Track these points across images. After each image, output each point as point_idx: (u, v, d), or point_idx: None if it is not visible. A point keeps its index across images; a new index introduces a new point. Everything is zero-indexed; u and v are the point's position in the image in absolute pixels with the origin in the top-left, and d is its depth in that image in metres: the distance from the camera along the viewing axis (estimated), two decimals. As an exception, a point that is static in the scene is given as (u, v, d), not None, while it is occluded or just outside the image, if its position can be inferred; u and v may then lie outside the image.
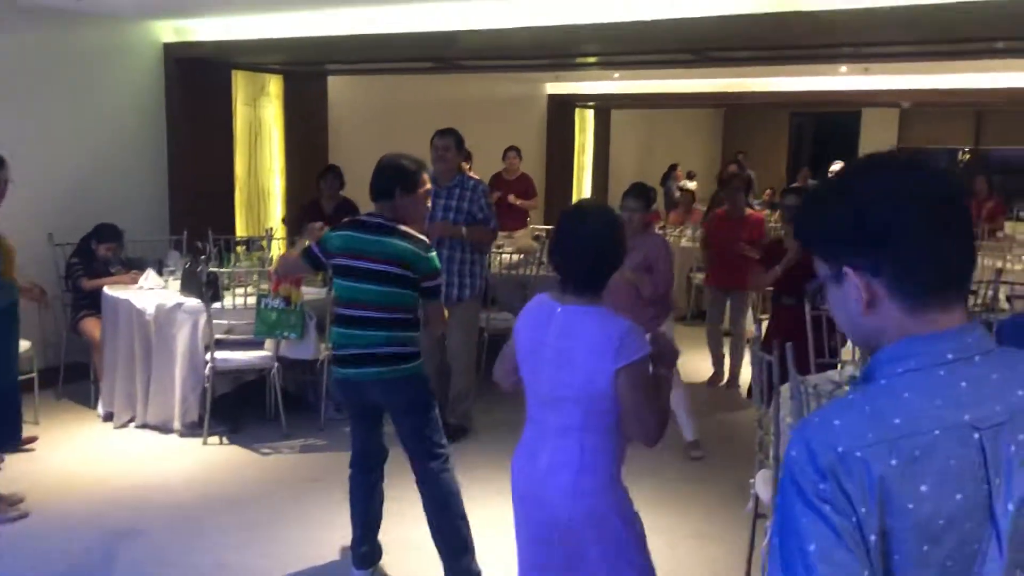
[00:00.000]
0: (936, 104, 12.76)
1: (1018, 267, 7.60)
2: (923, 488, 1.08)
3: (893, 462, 1.08)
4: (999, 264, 7.30)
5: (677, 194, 12.61)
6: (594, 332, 2.36)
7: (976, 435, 1.10)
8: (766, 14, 5.15)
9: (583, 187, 12.88)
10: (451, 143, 5.40)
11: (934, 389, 1.13)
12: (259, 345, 5.47)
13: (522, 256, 7.18)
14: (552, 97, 12.03)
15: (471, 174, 8.05)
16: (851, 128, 15.53)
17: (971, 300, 5.93)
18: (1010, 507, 1.09)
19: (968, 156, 15.58)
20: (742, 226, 6.62)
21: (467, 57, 7.18)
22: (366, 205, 3.70)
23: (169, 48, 7.23)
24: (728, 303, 6.90)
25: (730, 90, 10.95)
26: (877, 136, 14.63)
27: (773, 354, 3.34)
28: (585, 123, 13.02)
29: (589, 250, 2.41)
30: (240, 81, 7.93)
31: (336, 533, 4.10)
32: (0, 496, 4.37)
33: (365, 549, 3.74)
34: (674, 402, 5.14)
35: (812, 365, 4.20)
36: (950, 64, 8.43)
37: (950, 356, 1.14)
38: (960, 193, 1.19)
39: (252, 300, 5.35)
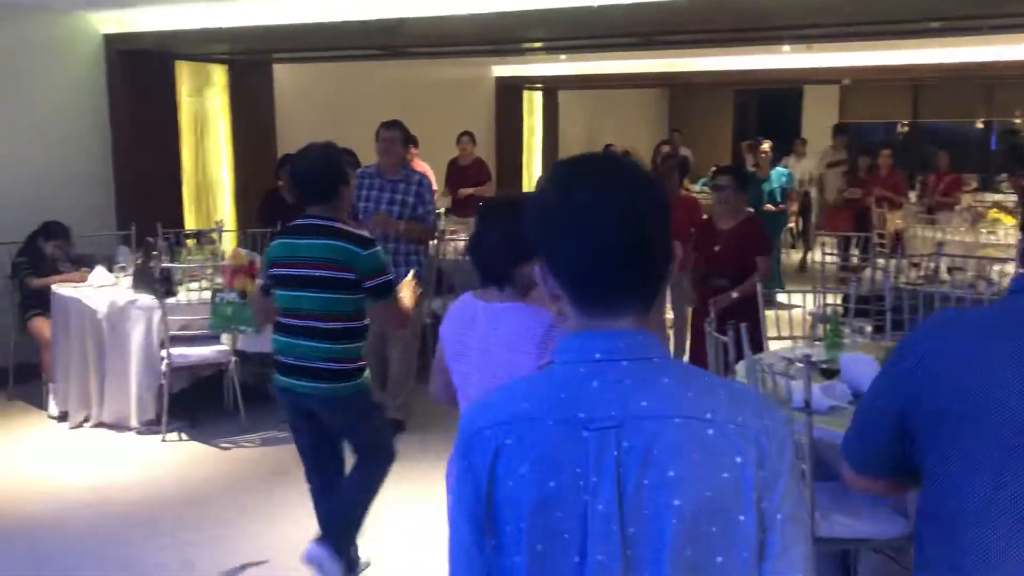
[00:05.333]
0: (875, 80, 12.99)
1: (957, 238, 7.82)
2: (522, 470, 1.16)
3: (508, 441, 1.18)
4: (939, 236, 7.54)
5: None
6: (513, 328, 2.26)
7: (585, 433, 1.15)
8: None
9: (533, 169, 12.91)
10: (397, 135, 5.34)
11: (567, 383, 1.19)
12: (216, 339, 5.44)
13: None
14: (500, 80, 12.03)
15: (417, 163, 8.06)
16: (794, 105, 15.76)
17: (914, 272, 6.11)
18: (600, 507, 1.13)
19: (907, 129, 15.96)
20: (676, 209, 6.33)
21: (413, 44, 7.16)
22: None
23: (110, 39, 7.09)
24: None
25: (675, 70, 11.04)
26: (819, 112, 14.85)
27: (728, 335, 3.43)
28: (533, 105, 13.03)
29: (496, 244, 2.32)
30: (184, 72, 7.81)
31: (306, 527, 4.02)
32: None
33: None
34: None
35: (765, 343, 4.32)
36: (888, 42, 8.61)
37: (598, 356, 1.19)
38: (593, 203, 1.18)
39: (207, 295, 5.30)
